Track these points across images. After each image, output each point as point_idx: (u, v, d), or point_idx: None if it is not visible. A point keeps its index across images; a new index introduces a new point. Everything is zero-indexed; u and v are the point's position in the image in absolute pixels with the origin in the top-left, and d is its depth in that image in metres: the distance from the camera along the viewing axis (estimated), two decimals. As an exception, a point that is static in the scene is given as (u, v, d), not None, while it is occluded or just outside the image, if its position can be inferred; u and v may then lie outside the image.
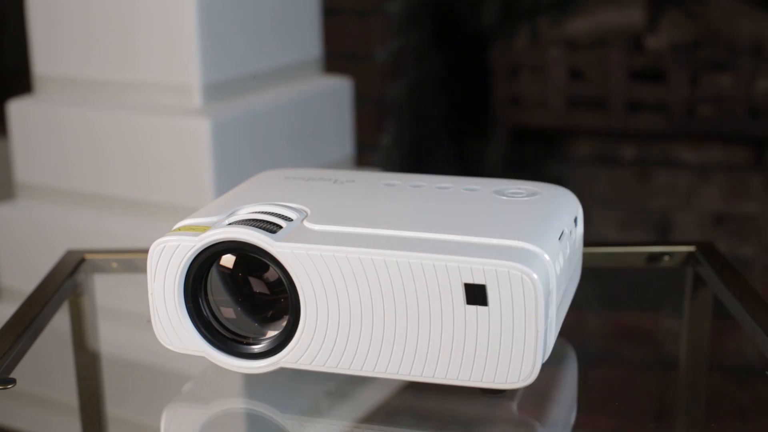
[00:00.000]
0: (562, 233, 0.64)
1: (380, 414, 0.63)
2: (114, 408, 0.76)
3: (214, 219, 0.65)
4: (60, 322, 0.81)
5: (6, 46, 2.35)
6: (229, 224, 0.63)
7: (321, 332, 0.61)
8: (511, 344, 0.57)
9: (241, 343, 0.65)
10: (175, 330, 0.65)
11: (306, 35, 1.57)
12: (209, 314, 0.65)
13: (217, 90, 1.36)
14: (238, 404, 0.72)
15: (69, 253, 0.88)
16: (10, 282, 1.46)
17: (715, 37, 2.06)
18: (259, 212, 0.65)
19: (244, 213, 0.65)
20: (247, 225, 0.62)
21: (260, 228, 0.62)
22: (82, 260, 0.87)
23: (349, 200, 0.68)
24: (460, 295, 0.57)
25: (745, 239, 1.99)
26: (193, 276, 0.63)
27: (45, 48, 1.43)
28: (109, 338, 0.86)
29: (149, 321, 0.67)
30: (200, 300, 0.64)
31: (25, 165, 1.45)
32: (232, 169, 1.33)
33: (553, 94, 2.11)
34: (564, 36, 2.11)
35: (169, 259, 0.63)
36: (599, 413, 0.67)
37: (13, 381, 0.67)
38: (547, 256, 0.59)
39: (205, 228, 0.63)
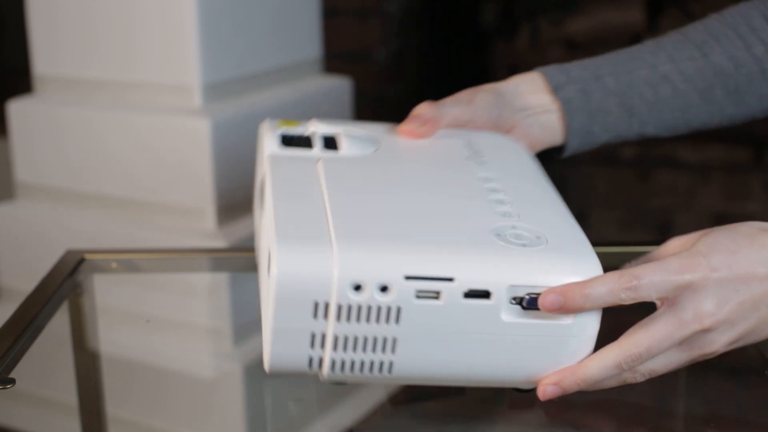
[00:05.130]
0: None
1: (380, 414, 0.63)
2: (114, 408, 0.76)
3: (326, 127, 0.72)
4: (60, 322, 0.81)
5: (6, 46, 2.35)
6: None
7: None
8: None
9: None
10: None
11: (306, 35, 1.57)
12: None
13: (217, 90, 1.36)
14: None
15: (69, 253, 0.88)
16: (10, 282, 1.46)
17: (715, 37, 2.05)
18: (326, 129, 0.71)
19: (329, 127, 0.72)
20: (291, 134, 0.70)
21: (296, 141, 0.69)
22: (82, 260, 0.87)
23: (381, 177, 0.66)
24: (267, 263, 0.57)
25: (745, 239, 1.98)
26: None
27: (45, 48, 1.43)
28: (109, 338, 0.86)
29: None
30: None
31: (25, 165, 1.45)
32: (232, 169, 1.33)
33: (553, 94, 2.11)
34: (564, 36, 2.11)
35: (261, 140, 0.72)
36: (599, 413, 0.67)
37: (13, 381, 0.67)
38: (336, 265, 0.53)
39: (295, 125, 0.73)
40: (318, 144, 0.68)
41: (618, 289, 0.57)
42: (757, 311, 0.61)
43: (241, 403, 1.11)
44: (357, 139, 0.70)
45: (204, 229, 1.31)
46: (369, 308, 0.54)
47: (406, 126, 0.76)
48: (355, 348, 0.55)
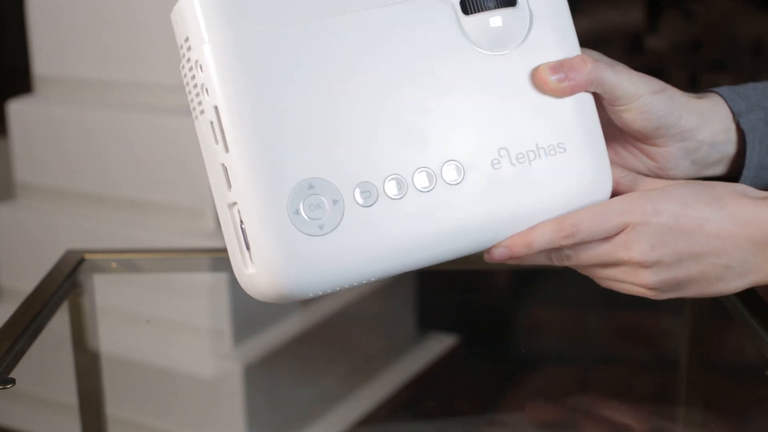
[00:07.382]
0: None
1: (380, 414, 0.63)
2: (114, 408, 0.76)
3: None
4: (60, 322, 0.81)
5: (6, 46, 2.35)
6: None
7: None
8: None
9: None
10: None
11: (306, 35, 1.57)
12: None
13: (217, 90, 1.36)
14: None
15: (69, 253, 0.88)
16: (10, 282, 1.46)
17: (715, 37, 2.06)
18: None
19: None
20: None
21: None
22: (82, 260, 0.87)
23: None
24: None
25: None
26: None
27: (45, 48, 1.43)
28: (109, 338, 0.86)
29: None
30: None
31: (25, 165, 1.45)
32: (232, 169, 1.33)
33: (553, 94, 2.11)
34: (564, 36, 2.11)
35: None
36: (599, 413, 0.67)
37: (13, 381, 0.67)
38: (204, 25, 0.57)
39: None
40: None
41: (557, 238, 0.60)
42: (699, 264, 0.60)
43: (241, 403, 1.11)
44: (502, 27, 0.60)
45: (204, 229, 1.31)
46: (194, 75, 0.59)
47: (542, 72, 0.62)
48: (190, 93, 0.61)
